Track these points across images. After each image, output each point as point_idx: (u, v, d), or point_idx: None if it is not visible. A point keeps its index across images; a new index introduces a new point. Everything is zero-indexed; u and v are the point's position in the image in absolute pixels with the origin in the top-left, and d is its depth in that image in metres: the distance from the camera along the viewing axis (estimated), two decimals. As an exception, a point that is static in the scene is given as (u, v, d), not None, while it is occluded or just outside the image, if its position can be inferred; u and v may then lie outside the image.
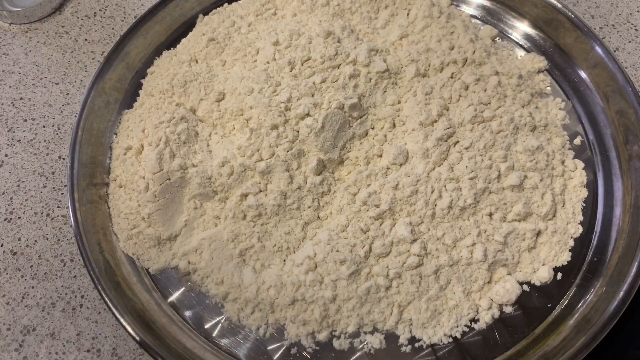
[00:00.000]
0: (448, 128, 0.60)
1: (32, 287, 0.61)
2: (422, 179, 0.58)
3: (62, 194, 0.66)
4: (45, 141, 0.70)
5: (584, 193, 0.61)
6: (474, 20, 0.73)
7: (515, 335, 0.55)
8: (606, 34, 0.76)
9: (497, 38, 0.72)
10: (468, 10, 0.74)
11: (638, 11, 0.78)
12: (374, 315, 0.55)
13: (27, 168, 0.68)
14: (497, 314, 0.56)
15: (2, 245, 0.63)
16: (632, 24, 0.76)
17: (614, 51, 0.73)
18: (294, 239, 0.58)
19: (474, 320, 0.56)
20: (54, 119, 0.71)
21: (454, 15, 0.70)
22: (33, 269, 0.62)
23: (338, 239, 0.56)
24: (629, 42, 0.75)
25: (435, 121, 0.61)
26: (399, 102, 0.64)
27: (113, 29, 0.78)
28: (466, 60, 0.65)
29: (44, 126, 0.71)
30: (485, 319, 0.55)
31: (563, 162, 0.62)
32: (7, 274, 0.62)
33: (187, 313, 0.58)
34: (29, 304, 0.60)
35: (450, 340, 0.55)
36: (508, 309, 0.56)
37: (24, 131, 0.70)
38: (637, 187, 0.59)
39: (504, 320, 0.56)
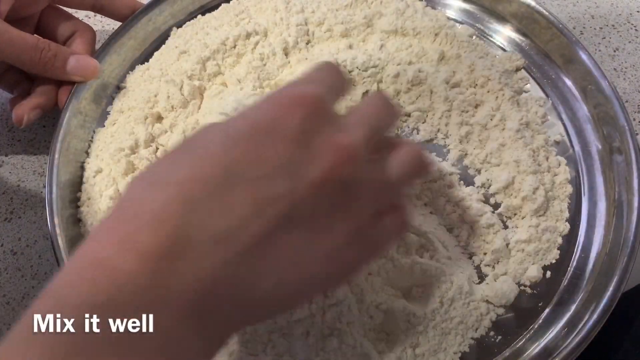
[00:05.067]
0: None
1: (32, 287, 0.61)
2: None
3: (61, 194, 0.65)
4: (45, 141, 0.70)
5: (569, 189, 0.61)
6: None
7: (508, 336, 0.55)
8: (606, 34, 0.75)
9: (474, 37, 0.72)
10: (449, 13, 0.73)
11: (638, 11, 0.77)
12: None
13: (27, 168, 0.68)
14: (494, 317, 0.55)
15: (2, 245, 0.63)
16: (632, 24, 0.76)
17: (614, 51, 0.73)
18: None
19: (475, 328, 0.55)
20: (54, 119, 0.70)
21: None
22: (33, 269, 0.62)
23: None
24: (629, 42, 0.74)
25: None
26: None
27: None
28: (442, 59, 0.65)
29: (44, 126, 0.70)
30: (484, 323, 0.55)
31: (547, 159, 0.62)
32: (7, 273, 0.62)
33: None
34: (29, 304, 0.59)
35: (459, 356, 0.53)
36: (500, 311, 0.56)
37: (24, 131, 0.70)
38: (619, 182, 0.59)
39: (497, 322, 0.55)
